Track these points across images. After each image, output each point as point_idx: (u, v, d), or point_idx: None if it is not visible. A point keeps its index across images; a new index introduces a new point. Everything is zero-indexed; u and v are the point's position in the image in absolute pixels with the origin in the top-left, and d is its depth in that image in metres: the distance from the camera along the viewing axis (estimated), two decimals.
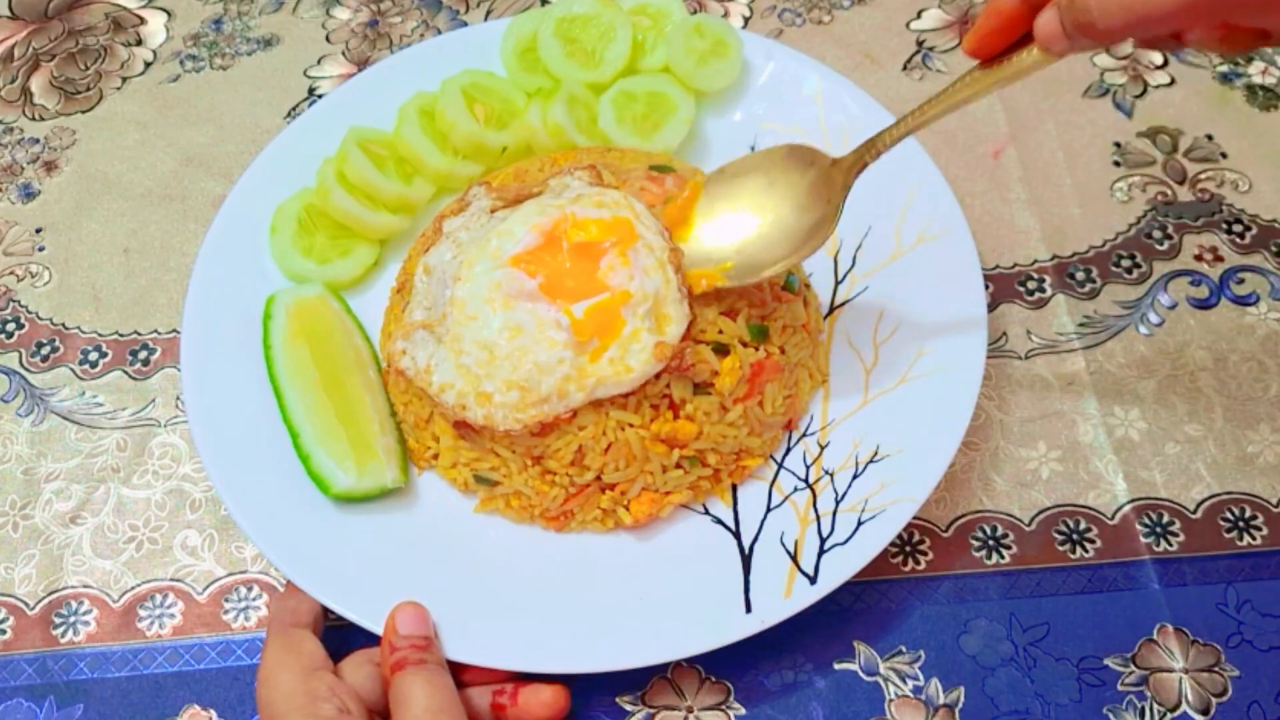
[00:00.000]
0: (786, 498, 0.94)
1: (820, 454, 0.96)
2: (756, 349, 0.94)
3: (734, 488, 0.95)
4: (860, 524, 0.90)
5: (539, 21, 1.15)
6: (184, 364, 0.98)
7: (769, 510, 0.93)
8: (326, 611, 0.90)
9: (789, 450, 0.97)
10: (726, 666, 0.91)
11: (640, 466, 0.92)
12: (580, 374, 0.89)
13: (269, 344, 0.99)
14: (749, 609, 0.88)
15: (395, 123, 1.11)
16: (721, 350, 0.93)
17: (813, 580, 0.88)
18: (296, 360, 0.98)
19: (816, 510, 0.92)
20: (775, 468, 0.96)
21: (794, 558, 0.90)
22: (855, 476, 0.94)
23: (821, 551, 0.90)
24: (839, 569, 0.88)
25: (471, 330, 0.90)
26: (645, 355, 0.89)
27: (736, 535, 0.93)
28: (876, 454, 0.94)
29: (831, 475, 0.94)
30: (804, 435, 0.98)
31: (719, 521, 0.94)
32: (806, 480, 0.95)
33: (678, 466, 0.93)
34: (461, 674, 0.86)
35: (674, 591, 0.90)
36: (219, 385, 0.98)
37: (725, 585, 0.89)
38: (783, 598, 0.88)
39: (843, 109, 1.11)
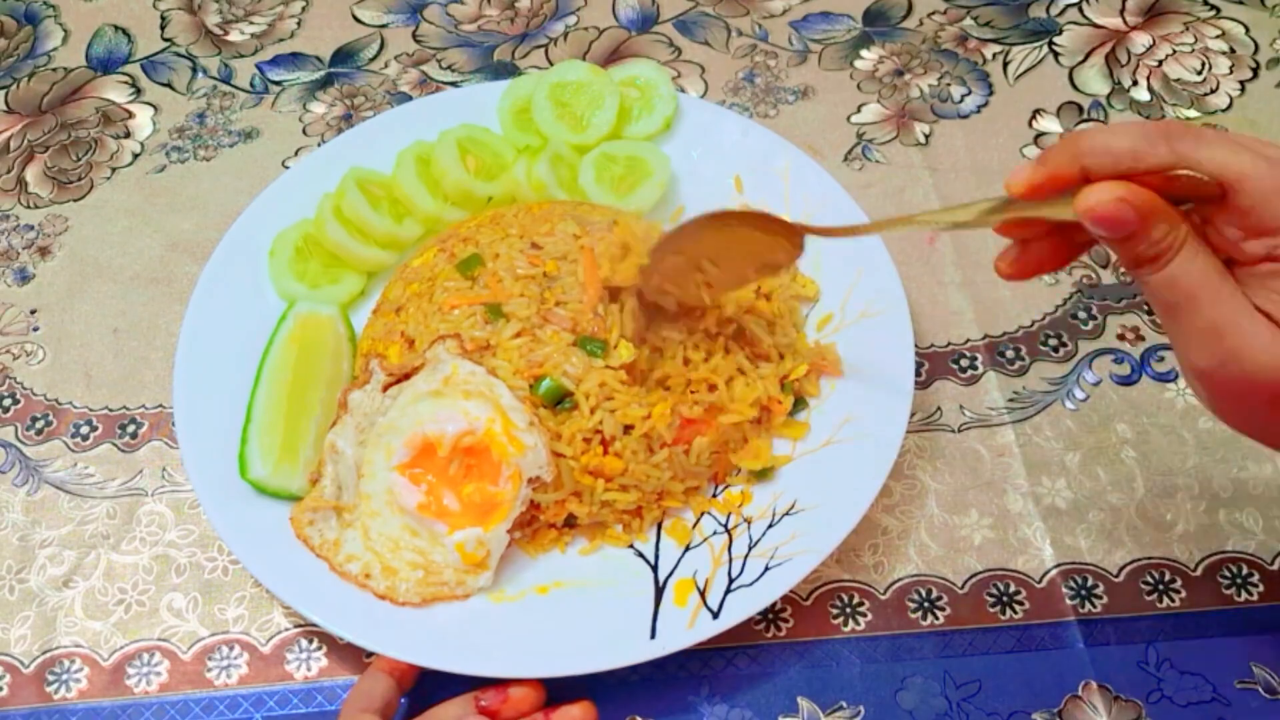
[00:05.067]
0: (705, 539, 1.00)
1: (742, 503, 1.02)
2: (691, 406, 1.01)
3: (659, 526, 1.01)
4: (767, 569, 0.96)
5: (535, 85, 1.22)
6: (178, 362, 1.06)
7: (688, 549, 0.99)
8: (402, 693, 0.94)
9: (715, 496, 1.03)
10: None
11: (568, 491, 0.98)
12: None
13: (272, 340, 1.08)
14: (654, 635, 0.93)
15: (393, 166, 1.18)
16: None
17: (715, 615, 0.94)
18: (282, 360, 1.06)
19: (730, 553, 0.98)
20: (700, 511, 1.02)
21: (702, 594, 0.96)
22: (770, 526, 0.99)
23: (728, 591, 0.95)
24: (741, 608, 0.94)
25: (377, 523, 0.98)
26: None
27: (654, 569, 0.99)
28: (793, 507, 1.00)
29: (749, 523, 1.00)
30: (728, 486, 1.03)
31: (640, 555, 1.00)
32: (725, 526, 1.00)
33: (604, 506, 0.99)
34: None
35: (589, 613, 0.96)
36: (209, 387, 1.06)
37: (637, 613, 0.95)
38: (686, 628, 0.94)
39: (805, 186, 1.17)
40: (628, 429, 0.99)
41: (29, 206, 1.29)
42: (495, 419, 0.96)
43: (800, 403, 1.06)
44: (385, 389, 1.01)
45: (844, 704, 0.96)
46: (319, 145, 1.30)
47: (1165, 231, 0.69)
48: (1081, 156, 0.71)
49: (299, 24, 1.46)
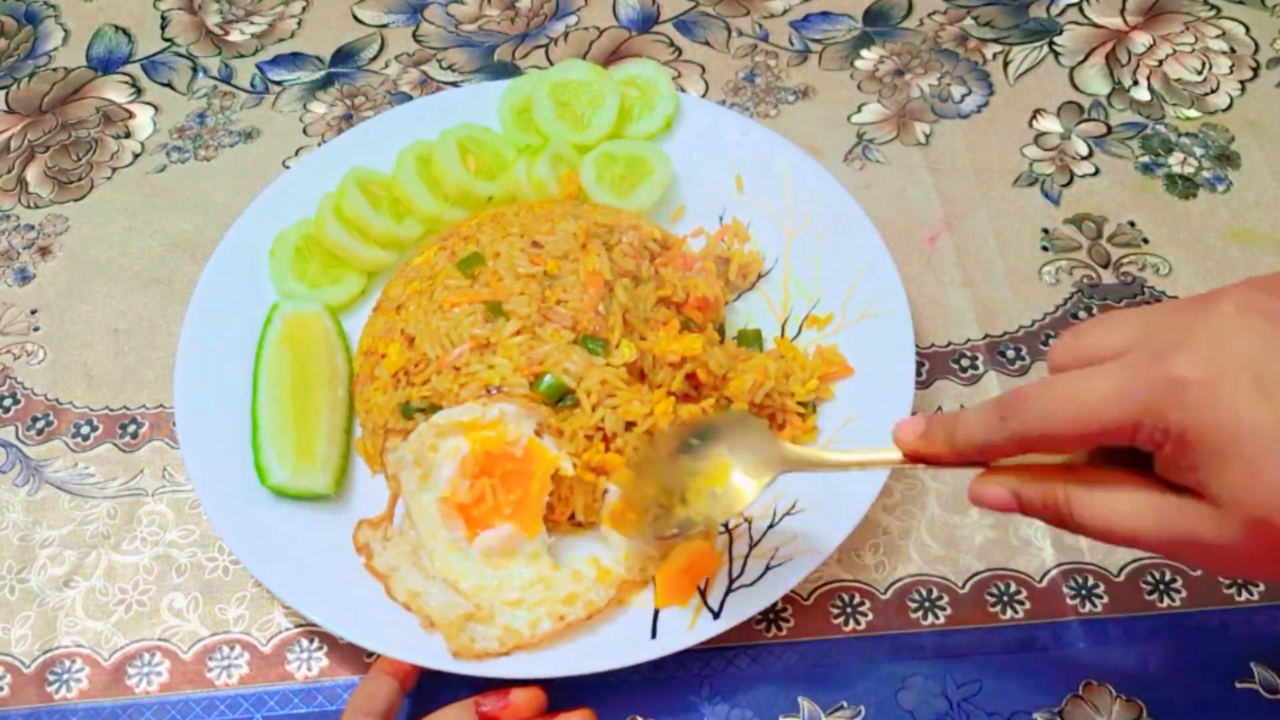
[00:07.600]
0: None
1: None
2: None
3: None
4: (768, 569, 0.96)
5: (536, 84, 1.23)
6: (178, 367, 1.06)
7: None
8: (404, 694, 0.93)
9: None
10: None
11: (571, 486, 0.98)
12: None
13: (261, 344, 1.07)
14: (654, 635, 0.93)
15: (394, 166, 1.18)
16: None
17: (716, 615, 0.94)
18: (277, 363, 1.06)
19: (731, 553, 0.97)
20: None
21: (703, 594, 0.95)
22: (771, 526, 0.99)
23: (729, 591, 0.95)
24: (741, 608, 0.94)
25: (426, 540, 0.97)
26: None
27: None
28: (794, 507, 0.99)
29: (750, 522, 0.99)
30: None
31: None
32: (726, 525, 1.00)
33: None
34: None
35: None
36: (210, 387, 1.06)
37: (637, 613, 0.95)
38: (687, 629, 0.93)
39: (806, 185, 1.17)
40: (630, 426, 0.99)
41: (29, 206, 1.29)
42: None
43: (804, 405, 1.06)
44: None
45: (844, 704, 0.96)
46: (319, 145, 1.30)
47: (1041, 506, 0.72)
48: (953, 442, 0.75)
49: (299, 24, 1.46)
